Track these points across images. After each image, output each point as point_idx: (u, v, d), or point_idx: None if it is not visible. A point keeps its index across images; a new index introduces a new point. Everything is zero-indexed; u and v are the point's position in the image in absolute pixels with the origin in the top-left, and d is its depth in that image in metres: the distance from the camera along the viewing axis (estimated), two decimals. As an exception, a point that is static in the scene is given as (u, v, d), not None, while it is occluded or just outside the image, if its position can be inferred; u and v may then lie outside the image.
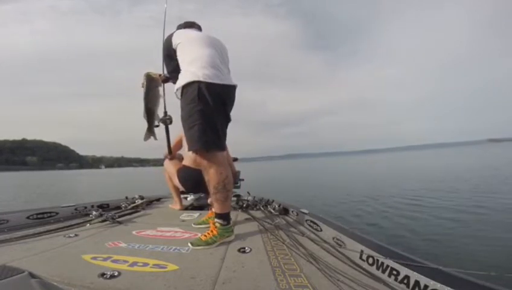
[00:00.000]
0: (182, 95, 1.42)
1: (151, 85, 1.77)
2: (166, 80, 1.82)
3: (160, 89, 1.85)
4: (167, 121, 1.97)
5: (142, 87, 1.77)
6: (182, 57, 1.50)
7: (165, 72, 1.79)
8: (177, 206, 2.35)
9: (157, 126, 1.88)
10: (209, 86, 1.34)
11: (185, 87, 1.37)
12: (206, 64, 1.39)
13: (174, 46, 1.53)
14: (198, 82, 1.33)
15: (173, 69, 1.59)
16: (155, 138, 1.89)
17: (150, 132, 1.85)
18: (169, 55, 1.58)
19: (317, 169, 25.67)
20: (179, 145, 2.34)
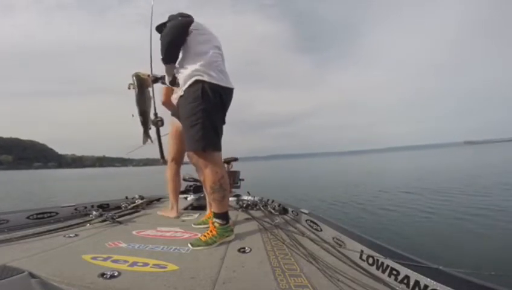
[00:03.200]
0: (183, 93, 1.40)
1: (143, 86, 1.68)
2: (155, 80, 1.72)
3: (150, 90, 1.78)
4: (159, 123, 1.89)
5: (129, 89, 1.67)
6: (189, 50, 1.41)
7: (154, 72, 1.71)
8: (173, 214, 2.04)
9: (150, 128, 1.83)
10: (213, 86, 1.36)
11: (190, 85, 1.37)
12: (213, 65, 1.39)
13: (189, 35, 1.39)
14: (203, 82, 1.34)
15: (173, 59, 1.43)
16: (151, 141, 1.85)
17: (147, 135, 1.80)
18: (178, 45, 1.40)
19: (302, 169, 25.78)
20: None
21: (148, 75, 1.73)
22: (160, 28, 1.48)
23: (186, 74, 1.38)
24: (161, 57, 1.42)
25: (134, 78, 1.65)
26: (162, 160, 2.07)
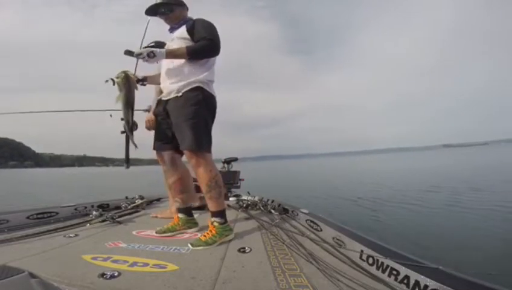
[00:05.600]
0: (181, 94, 1.44)
1: (133, 87, 1.53)
2: (137, 81, 1.63)
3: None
4: (133, 127, 1.69)
5: (106, 82, 1.50)
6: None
7: (137, 73, 1.62)
8: (167, 214, 2.00)
9: (124, 132, 1.68)
10: (209, 95, 1.50)
11: (191, 90, 1.44)
12: (211, 77, 1.51)
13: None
14: (202, 89, 1.45)
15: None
16: (136, 147, 1.69)
17: (132, 138, 1.63)
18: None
19: (292, 170, 25.90)
20: None
21: (133, 75, 1.61)
22: (155, 8, 1.53)
23: (190, 79, 1.44)
24: (191, 54, 1.42)
25: (124, 76, 1.49)
26: (127, 165, 1.90)
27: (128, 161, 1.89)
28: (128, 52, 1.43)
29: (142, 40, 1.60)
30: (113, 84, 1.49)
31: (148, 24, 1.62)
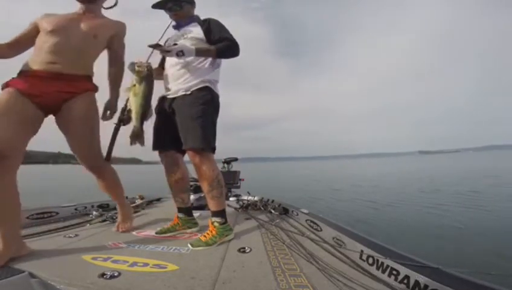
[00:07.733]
0: (190, 93, 1.44)
1: (153, 80, 1.42)
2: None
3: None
4: (124, 121, 1.56)
5: (139, 73, 1.36)
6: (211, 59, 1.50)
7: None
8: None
9: (118, 123, 1.56)
10: (216, 95, 1.53)
11: (199, 89, 1.45)
12: (218, 75, 1.55)
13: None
14: (210, 89, 1.48)
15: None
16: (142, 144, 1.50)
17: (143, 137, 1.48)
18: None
19: (281, 172, 26.01)
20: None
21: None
22: (163, 2, 1.51)
23: (199, 78, 1.46)
24: (219, 54, 1.46)
25: (150, 68, 1.37)
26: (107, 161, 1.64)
27: (109, 158, 1.63)
28: (155, 46, 1.40)
29: (161, 37, 1.58)
30: (133, 73, 1.37)
31: (170, 24, 1.58)
